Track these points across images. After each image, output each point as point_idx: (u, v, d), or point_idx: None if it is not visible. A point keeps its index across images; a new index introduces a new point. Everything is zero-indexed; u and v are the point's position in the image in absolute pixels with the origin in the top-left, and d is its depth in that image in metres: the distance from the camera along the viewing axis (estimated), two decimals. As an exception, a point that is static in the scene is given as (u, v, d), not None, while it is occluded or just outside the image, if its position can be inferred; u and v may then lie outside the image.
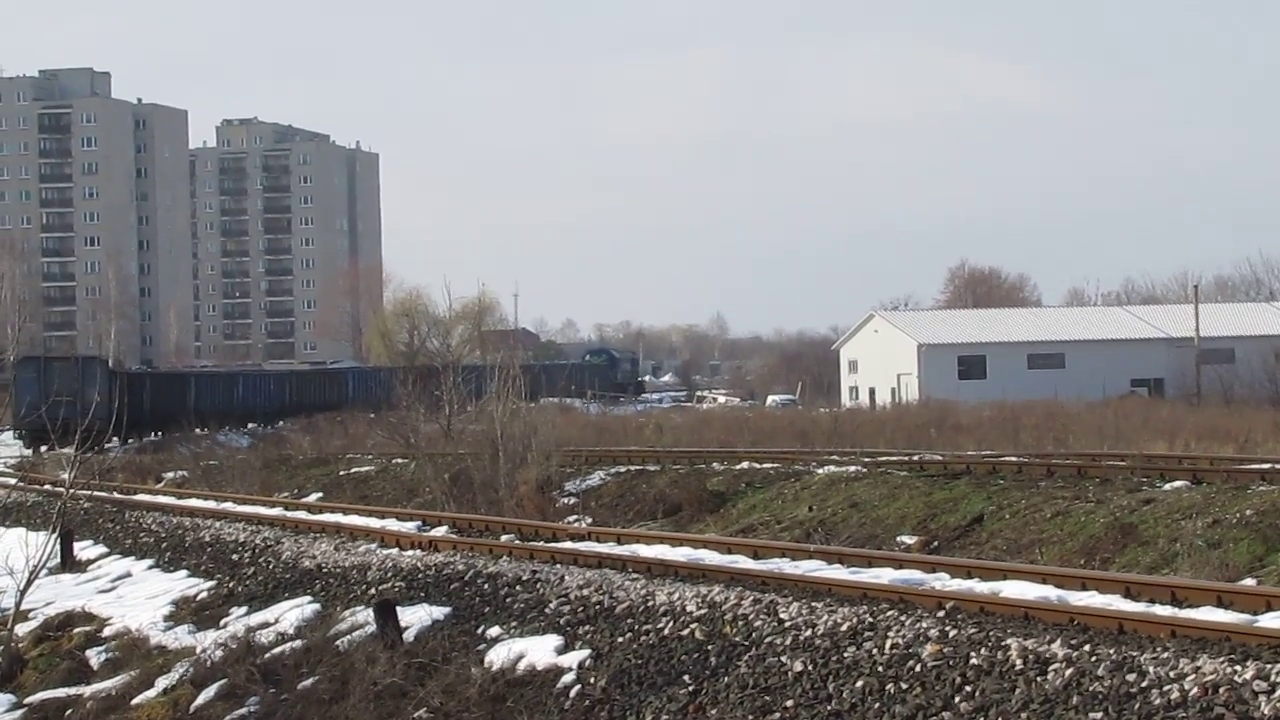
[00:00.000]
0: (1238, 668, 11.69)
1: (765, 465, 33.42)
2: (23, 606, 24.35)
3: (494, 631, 17.68)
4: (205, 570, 25.92)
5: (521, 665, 16.43)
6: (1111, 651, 12.62)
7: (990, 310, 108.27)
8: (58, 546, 27.78)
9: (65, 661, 22.71)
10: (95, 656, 22.60)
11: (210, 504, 34.32)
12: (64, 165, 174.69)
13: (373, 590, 20.73)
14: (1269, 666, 11.62)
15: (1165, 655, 12.31)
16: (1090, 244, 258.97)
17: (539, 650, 16.58)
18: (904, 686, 13.11)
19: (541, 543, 23.23)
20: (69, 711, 20.63)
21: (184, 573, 26.45)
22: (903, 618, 14.60)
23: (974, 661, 13.05)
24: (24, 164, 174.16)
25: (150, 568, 27.94)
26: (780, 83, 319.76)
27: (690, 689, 14.56)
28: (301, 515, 30.02)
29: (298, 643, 19.59)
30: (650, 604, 16.75)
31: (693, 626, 15.73)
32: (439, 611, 18.68)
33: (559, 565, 20.18)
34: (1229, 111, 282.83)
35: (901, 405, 75.05)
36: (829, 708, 13.30)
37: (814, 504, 28.48)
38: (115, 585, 27.31)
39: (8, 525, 35.04)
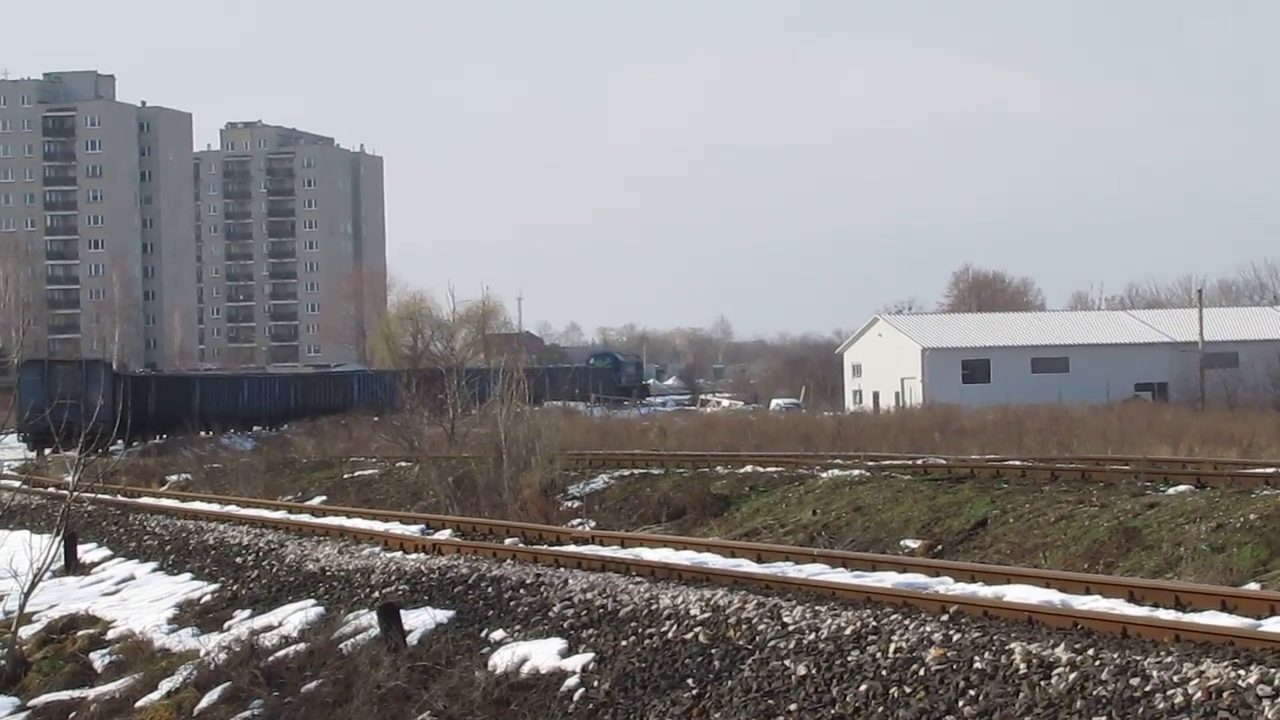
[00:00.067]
0: (1241, 672, 11.69)
1: (769, 469, 33.43)
2: (27, 609, 24.36)
3: (498, 635, 17.68)
4: (209, 573, 25.93)
5: (525, 668, 16.43)
6: (1115, 656, 12.62)
7: (994, 314, 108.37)
8: (62, 549, 27.79)
9: (69, 664, 22.71)
10: (99, 659, 22.60)
11: (214, 507, 34.33)
12: (68, 168, 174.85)
13: (376, 593, 20.73)
14: (1273, 671, 11.62)
15: (1169, 660, 12.30)
16: (1094, 248, 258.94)
17: (543, 653, 16.58)
18: (908, 690, 13.11)
19: (545, 546, 23.23)
20: (73, 714, 20.63)
21: (188, 576, 26.46)
22: (906, 621, 14.60)
23: (978, 665, 13.05)
24: (28, 167, 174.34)
25: (154, 571, 27.95)
26: (785, 87, 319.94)
27: (694, 692, 14.56)
28: (305, 518, 30.03)
29: (301, 646, 19.60)
30: (654, 607, 16.76)
31: (696, 630, 15.73)
32: (443, 615, 18.68)
33: (563, 569, 20.19)
34: (1234, 116, 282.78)
35: (905, 409, 75.01)
36: (833, 711, 13.30)
37: (818, 508, 28.48)
38: (119, 588, 27.31)
39: (12, 528, 35.09)
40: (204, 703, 18.81)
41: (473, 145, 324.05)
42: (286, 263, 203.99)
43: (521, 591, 18.88)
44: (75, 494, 27.96)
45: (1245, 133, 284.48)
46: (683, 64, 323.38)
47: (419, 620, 18.59)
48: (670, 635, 15.89)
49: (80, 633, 24.20)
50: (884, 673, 13.51)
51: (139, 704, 19.80)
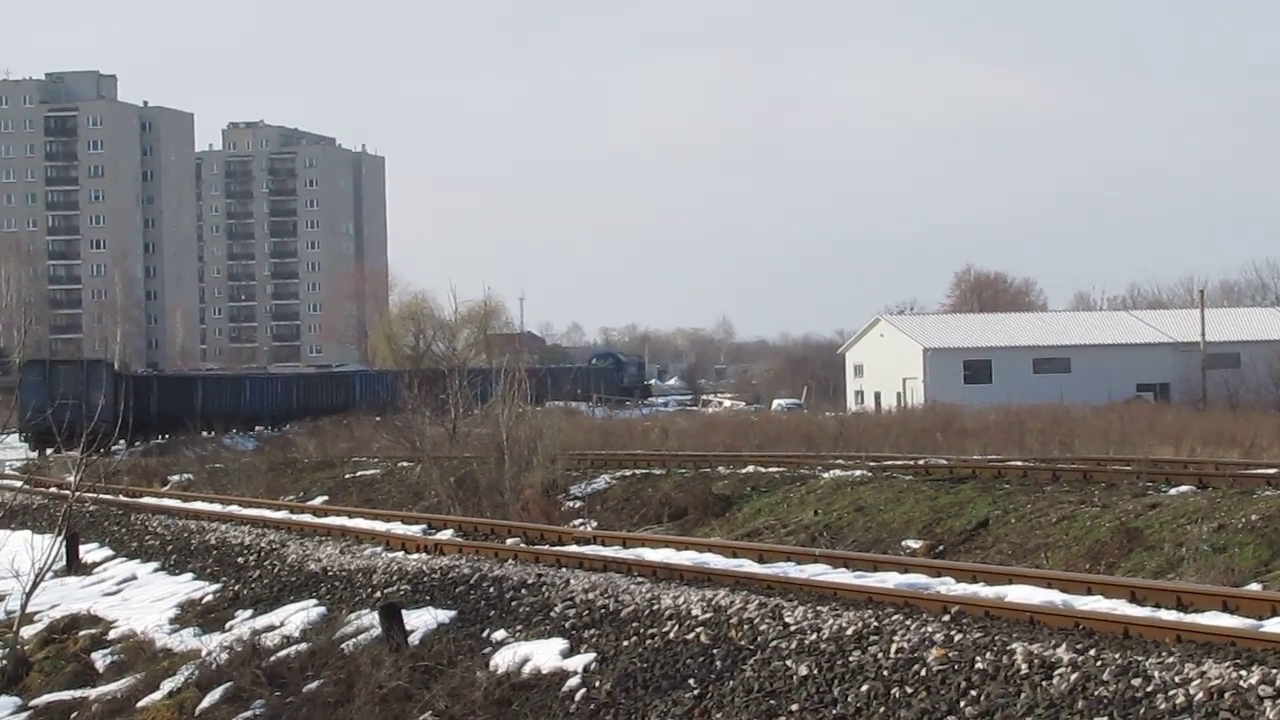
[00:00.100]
0: (1243, 672, 11.69)
1: (771, 469, 33.43)
2: (28, 609, 24.34)
3: (499, 635, 17.69)
4: (211, 573, 25.93)
5: (527, 668, 16.43)
6: (1117, 656, 12.62)
7: (996, 314, 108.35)
8: (63, 549, 27.78)
9: (71, 664, 22.71)
10: (101, 659, 22.60)
11: (216, 507, 34.33)
12: (70, 168, 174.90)
13: (378, 593, 20.73)
14: (1274, 671, 11.62)
15: (1170, 660, 12.31)
16: (1096, 248, 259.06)
17: (544, 654, 16.58)
18: (909, 691, 13.11)
19: (547, 546, 23.23)
20: (74, 714, 20.63)
21: (189, 576, 26.47)
22: (908, 622, 14.60)
23: (979, 666, 13.05)
24: (30, 167, 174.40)
25: (156, 570, 27.95)
26: (786, 87, 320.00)
27: (695, 693, 14.56)
28: (307, 518, 30.04)
29: (303, 646, 19.61)
30: (656, 608, 16.76)
31: (698, 630, 15.73)
32: (444, 615, 18.68)
33: (564, 569, 20.19)
34: (1236, 116, 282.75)
35: (907, 409, 74.99)
36: (834, 712, 13.30)
37: (819, 508, 28.49)
38: (121, 588, 27.32)
39: (13, 528, 35.10)
40: (205, 703, 18.81)
41: (474, 145, 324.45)
42: (288, 263, 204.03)
43: (523, 591, 18.88)
44: (77, 494, 27.96)
45: (1247, 132, 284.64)
46: (685, 65, 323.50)
47: (421, 620, 18.59)
48: (672, 635, 15.89)
49: (82, 633, 24.21)
50: (885, 673, 13.51)
51: (141, 704, 19.81)
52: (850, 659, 13.96)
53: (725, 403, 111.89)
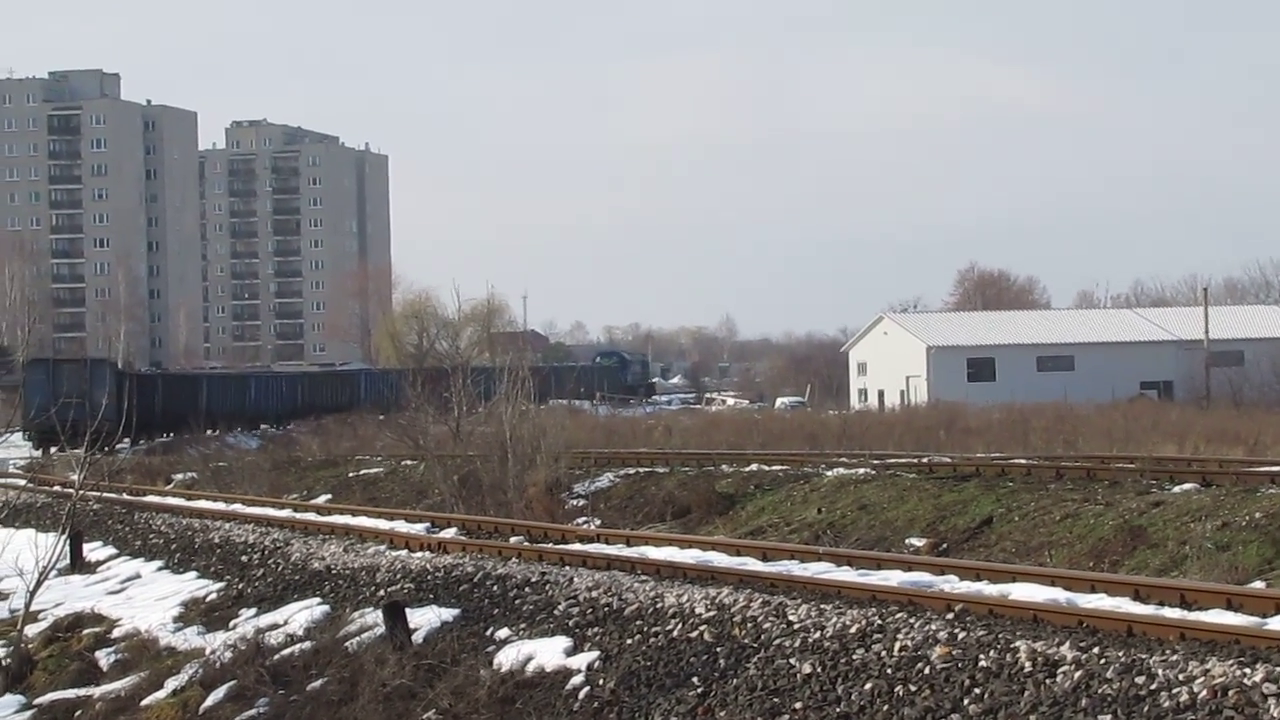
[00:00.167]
0: (1247, 670, 11.68)
1: (774, 467, 33.41)
2: (32, 607, 24.38)
3: (503, 633, 17.69)
4: (215, 572, 25.94)
5: (530, 667, 16.43)
6: (1120, 654, 12.62)
7: (999, 312, 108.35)
8: (67, 548, 27.81)
9: (75, 662, 22.73)
10: (105, 658, 22.63)
11: (220, 505, 34.35)
12: (73, 167, 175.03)
13: (382, 592, 20.74)
14: (1278, 669, 11.61)
15: (1174, 658, 12.30)
16: (1100, 246, 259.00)
17: (548, 652, 16.58)
18: (913, 689, 13.11)
19: (550, 544, 23.22)
20: (78, 712, 20.65)
21: (193, 574, 26.48)
22: (912, 620, 14.59)
23: (983, 664, 13.04)
24: (33, 165, 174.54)
25: (160, 569, 27.97)
26: (790, 85, 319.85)
27: (699, 691, 14.56)
28: (311, 517, 30.04)
29: (307, 644, 19.61)
30: (659, 606, 16.76)
31: (702, 628, 15.73)
32: (448, 613, 18.69)
33: (568, 567, 20.18)
34: (1239, 114, 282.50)
35: (910, 407, 75.04)
36: (838, 710, 13.30)
37: (823, 506, 28.47)
38: (125, 586, 27.34)
39: (17, 526, 35.14)
40: (209, 701, 18.82)
41: (477, 144, 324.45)
42: (292, 261, 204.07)
43: (527, 590, 18.88)
44: (81, 492, 27.98)
45: (1249, 131, 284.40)
46: (689, 63, 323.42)
47: (424, 619, 18.60)
48: (675, 633, 15.89)
49: (86, 631, 24.23)
50: (889, 671, 13.51)
51: (144, 702, 19.82)
52: (854, 657, 13.96)
53: (729, 401, 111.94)
